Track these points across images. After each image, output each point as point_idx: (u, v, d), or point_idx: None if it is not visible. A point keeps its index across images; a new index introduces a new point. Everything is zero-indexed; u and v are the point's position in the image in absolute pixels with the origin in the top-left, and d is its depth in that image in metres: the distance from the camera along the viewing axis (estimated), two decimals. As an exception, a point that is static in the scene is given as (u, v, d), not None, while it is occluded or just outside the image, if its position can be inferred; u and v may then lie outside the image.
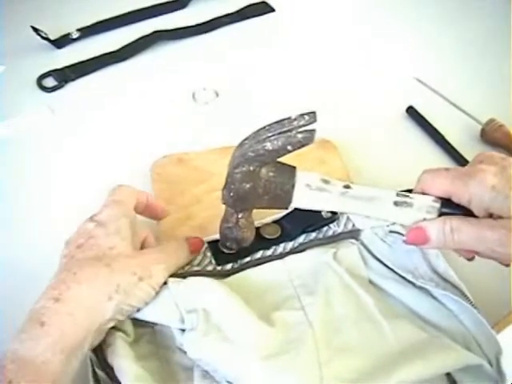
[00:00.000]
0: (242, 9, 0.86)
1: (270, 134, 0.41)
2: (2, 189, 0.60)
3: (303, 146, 0.41)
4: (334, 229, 0.52)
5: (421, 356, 0.42)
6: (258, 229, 0.51)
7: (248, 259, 0.49)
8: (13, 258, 0.54)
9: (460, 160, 0.65)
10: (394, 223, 0.49)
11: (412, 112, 0.70)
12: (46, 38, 0.76)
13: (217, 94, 0.72)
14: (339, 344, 0.43)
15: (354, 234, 0.52)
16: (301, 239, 0.51)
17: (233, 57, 0.79)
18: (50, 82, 0.73)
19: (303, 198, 0.43)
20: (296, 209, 0.52)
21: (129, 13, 0.83)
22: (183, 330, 0.42)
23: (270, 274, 0.48)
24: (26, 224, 0.57)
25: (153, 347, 0.44)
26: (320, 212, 0.52)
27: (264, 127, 0.42)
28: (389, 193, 0.43)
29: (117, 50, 0.77)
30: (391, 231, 0.51)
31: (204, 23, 0.83)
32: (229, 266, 0.49)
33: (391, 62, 0.80)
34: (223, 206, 0.55)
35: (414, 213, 0.42)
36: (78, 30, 0.79)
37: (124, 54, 0.77)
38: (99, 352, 0.41)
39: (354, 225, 0.52)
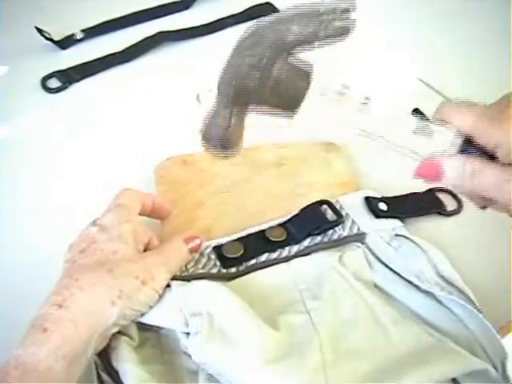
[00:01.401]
0: (247, 10, 0.86)
1: (296, 16, 0.34)
2: (4, 189, 0.60)
3: (339, 36, 0.34)
4: (339, 232, 0.51)
5: (427, 361, 0.41)
6: (263, 231, 0.51)
7: (253, 262, 0.49)
8: (14, 259, 0.53)
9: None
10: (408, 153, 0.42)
11: (417, 114, 0.70)
12: (50, 39, 0.76)
13: (221, 96, 0.72)
14: (344, 348, 0.43)
15: (359, 237, 0.51)
16: (306, 242, 0.51)
17: (237, 58, 0.78)
18: (53, 83, 0.72)
19: (314, 104, 0.37)
20: (301, 211, 0.52)
21: (133, 14, 0.83)
22: (188, 334, 0.42)
23: (275, 278, 0.48)
24: (29, 225, 0.57)
25: (158, 351, 0.44)
26: (325, 215, 0.52)
27: (288, 8, 0.35)
28: (410, 117, 0.39)
29: (121, 51, 0.77)
30: (397, 235, 0.51)
31: (208, 24, 0.83)
32: (234, 269, 0.48)
33: (396, 64, 0.79)
34: (227, 207, 0.55)
35: (432, 143, 0.38)
36: (82, 30, 0.79)
37: (128, 54, 0.77)
38: (104, 356, 0.41)
39: (359, 228, 0.52)
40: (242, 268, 0.48)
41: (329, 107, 0.37)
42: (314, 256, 0.49)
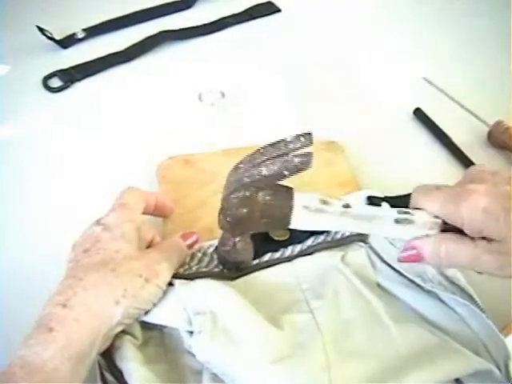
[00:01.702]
0: (248, 9, 0.86)
1: (265, 158, 0.40)
2: (6, 190, 0.60)
3: (300, 170, 0.40)
4: (342, 232, 0.51)
5: (430, 361, 0.41)
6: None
7: (256, 262, 0.49)
8: (16, 259, 0.53)
9: (466, 162, 0.64)
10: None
11: (419, 114, 0.70)
12: (52, 38, 0.76)
13: (223, 95, 0.72)
14: (348, 347, 0.43)
15: (362, 237, 0.51)
16: (309, 242, 0.51)
17: (239, 57, 0.79)
18: (55, 82, 0.72)
19: (302, 220, 0.41)
20: None
21: (134, 13, 0.83)
22: (191, 333, 0.42)
23: (278, 277, 0.48)
24: (31, 225, 0.57)
25: (161, 350, 0.44)
26: None
27: (259, 150, 0.41)
28: (390, 211, 0.42)
29: (122, 51, 0.77)
30: None
31: (210, 23, 0.83)
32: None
33: (399, 63, 0.79)
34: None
35: (415, 230, 0.41)
36: (84, 29, 0.79)
37: (130, 54, 0.77)
38: (107, 355, 0.41)
39: None
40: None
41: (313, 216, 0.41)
42: (316, 255, 0.49)
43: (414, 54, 0.81)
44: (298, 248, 0.50)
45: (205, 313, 0.42)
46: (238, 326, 0.42)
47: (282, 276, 0.48)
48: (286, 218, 0.41)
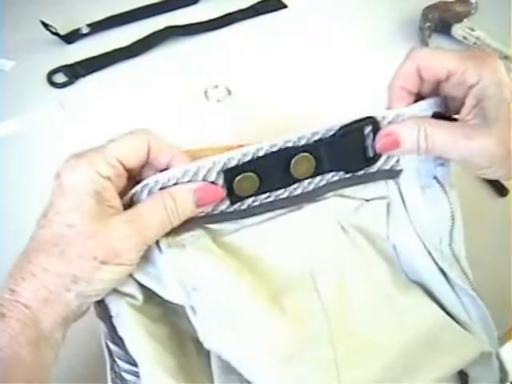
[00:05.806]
0: (254, 5, 0.86)
1: None
2: (11, 186, 0.59)
3: None
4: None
5: (441, 349, 0.39)
6: (288, 163, 0.40)
7: (266, 195, 0.41)
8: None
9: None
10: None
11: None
12: (56, 34, 0.75)
13: (229, 92, 0.71)
14: (355, 334, 0.40)
15: (392, 174, 0.43)
16: (329, 176, 0.42)
17: (245, 54, 0.78)
18: (60, 77, 0.72)
19: None
20: (343, 131, 0.41)
21: (140, 8, 0.83)
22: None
23: (282, 249, 0.42)
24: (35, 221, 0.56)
25: (162, 311, 0.40)
26: (365, 143, 0.41)
27: None
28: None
29: (128, 46, 0.77)
30: (438, 181, 0.43)
31: (216, 19, 0.83)
32: (245, 205, 0.41)
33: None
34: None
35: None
36: (88, 25, 0.79)
37: (135, 49, 0.76)
38: (109, 324, 0.37)
39: (398, 161, 0.42)
40: (257, 202, 0.41)
41: None
42: (327, 206, 0.43)
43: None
44: (315, 181, 0.42)
45: (199, 289, 0.37)
46: (239, 317, 0.38)
47: (285, 246, 0.42)
48: None
